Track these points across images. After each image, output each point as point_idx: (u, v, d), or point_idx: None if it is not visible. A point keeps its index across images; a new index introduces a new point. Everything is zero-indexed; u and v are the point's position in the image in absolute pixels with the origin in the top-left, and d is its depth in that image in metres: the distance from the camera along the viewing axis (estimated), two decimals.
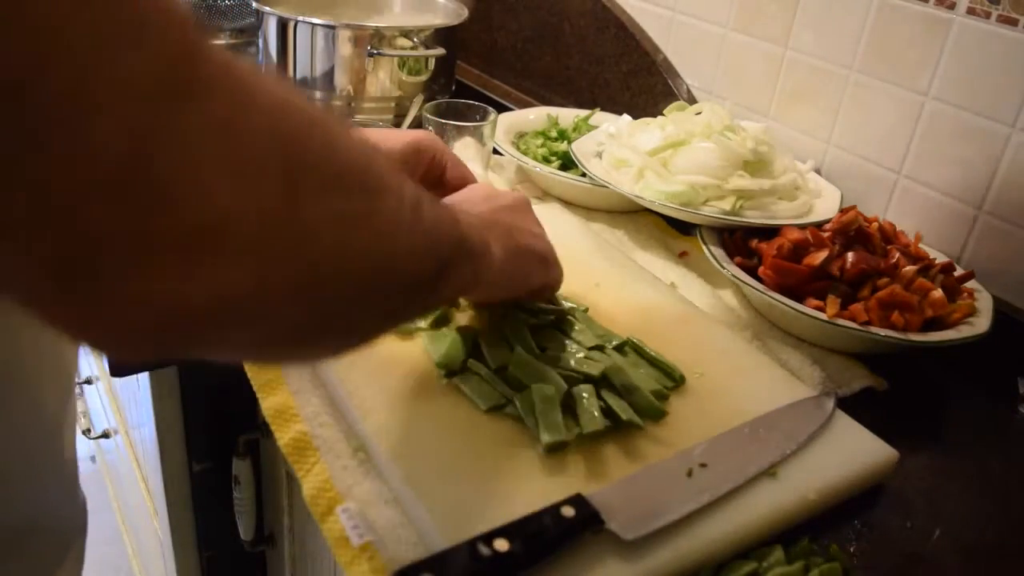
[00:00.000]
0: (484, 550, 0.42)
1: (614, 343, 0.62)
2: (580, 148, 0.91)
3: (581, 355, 0.59)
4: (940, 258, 0.77)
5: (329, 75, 1.01)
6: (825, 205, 0.84)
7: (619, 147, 0.88)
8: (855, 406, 0.61)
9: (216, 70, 0.25)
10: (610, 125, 0.95)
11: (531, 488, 0.49)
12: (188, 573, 0.94)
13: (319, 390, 0.59)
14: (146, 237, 0.24)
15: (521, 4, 1.33)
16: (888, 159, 0.87)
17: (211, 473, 0.85)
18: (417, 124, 1.00)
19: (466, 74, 1.39)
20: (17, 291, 0.25)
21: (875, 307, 0.67)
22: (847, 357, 0.70)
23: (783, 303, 0.67)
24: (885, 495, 0.57)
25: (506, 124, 1.00)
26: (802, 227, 0.75)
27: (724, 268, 0.72)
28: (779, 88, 0.97)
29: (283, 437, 0.55)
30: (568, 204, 0.93)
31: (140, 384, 0.86)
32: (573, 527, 0.45)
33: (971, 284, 0.75)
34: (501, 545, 0.43)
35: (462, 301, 0.64)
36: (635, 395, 0.56)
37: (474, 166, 0.85)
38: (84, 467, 0.61)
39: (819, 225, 0.77)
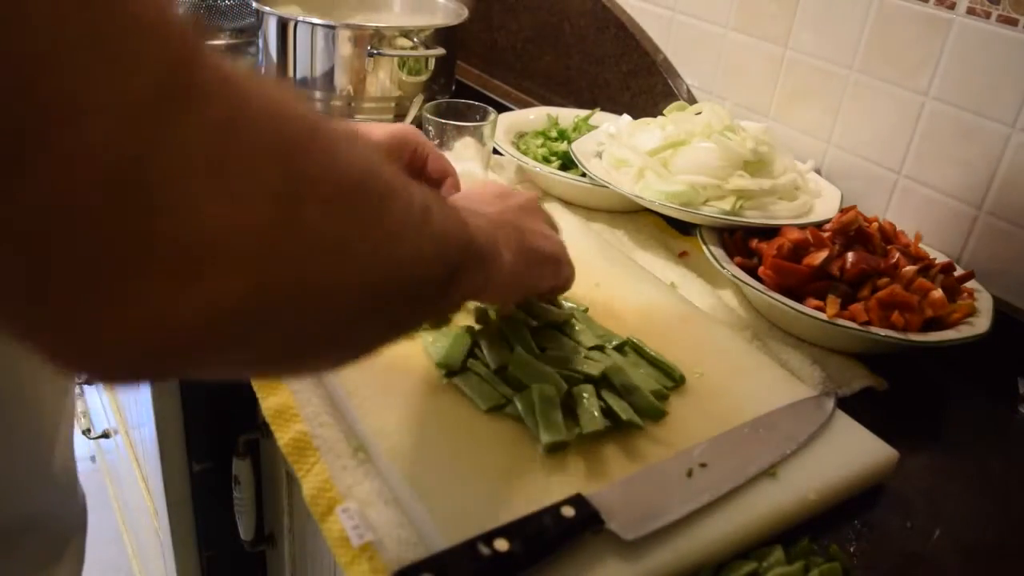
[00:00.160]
0: (484, 550, 0.42)
1: (614, 343, 0.62)
2: (580, 148, 0.91)
3: (581, 355, 0.59)
4: (940, 258, 0.77)
5: (329, 75, 1.01)
6: (825, 205, 0.84)
7: (619, 147, 0.88)
8: (855, 406, 0.62)
9: (214, 76, 0.24)
10: (610, 125, 0.95)
11: (531, 488, 0.49)
12: (188, 573, 0.94)
13: (319, 390, 0.59)
14: (136, 248, 0.22)
15: (521, 4, 1.33)
16: (888, 159, 0.87)
17: (211, 473, 0.85)
18: (417, 124, 1.00)
19: (466, 74, 1.39)
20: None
21: (875, 307, 0.67)
22: (847, 357, 0.70)
23: (783, 303, 0.67)
24: (885, 495, 0.57)
25: (506, 124, 1.00)
26: (802, 227, 0.75)
27: (724, 268, 0.72)
28: (779, 88, 0.97)
29: (283, 437, 0.55)
30: (568, 204, 0.93)
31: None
32: (573, 527, 0.45)
33: (971, 284, 0.75)
34: (501, 545, 0.43)
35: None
36: (635, 395, 0.56)
37: (474, 166, 0.85)
38: (84, 467, 0.61)
39: (819, 225, 0.77)
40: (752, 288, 0.70)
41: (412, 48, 1.01)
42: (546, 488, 0.49)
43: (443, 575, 0.42)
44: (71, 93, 0.20)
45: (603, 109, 1.07)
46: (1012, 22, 0.75)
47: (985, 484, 0.60)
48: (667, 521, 0.48)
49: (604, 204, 0.92)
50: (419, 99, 1.05)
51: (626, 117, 0.98)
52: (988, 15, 0.76)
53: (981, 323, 0.69)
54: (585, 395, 0.55)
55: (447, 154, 0.84)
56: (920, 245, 0.78)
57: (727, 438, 0.55)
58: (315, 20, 0.99)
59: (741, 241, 0.78)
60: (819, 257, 0.70)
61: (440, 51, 1.02)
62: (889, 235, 0.77)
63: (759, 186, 0.79)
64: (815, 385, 0.65)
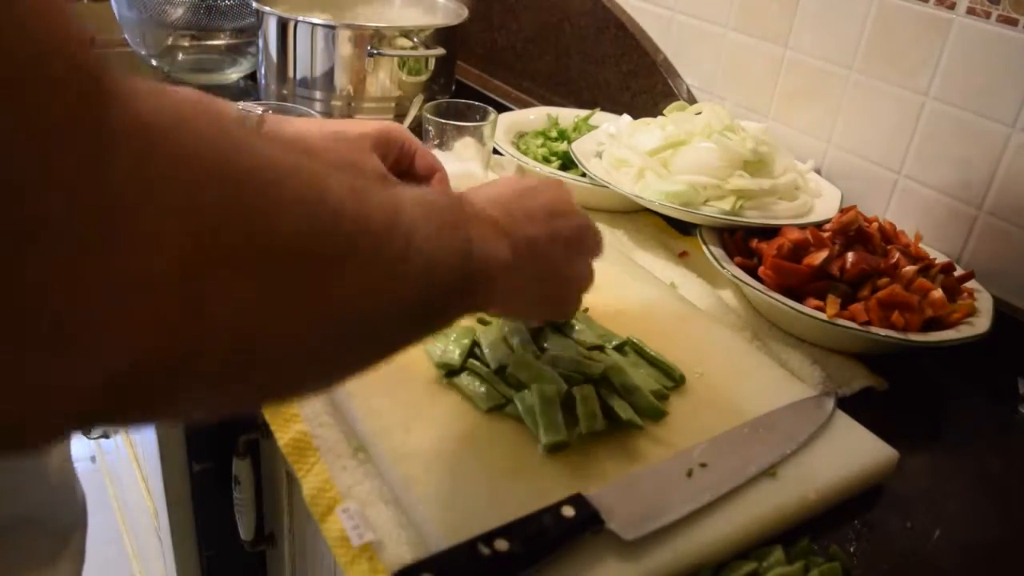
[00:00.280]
0: (484, 550, 0.42)
1: (614, 343, 0.62)
2: (580, 148, 0.91)
3: (581, 355, 0.59)
4: (940, 258, 0.77)
5: (329, 75, 1.01)
6: (825, 205, 0.84)
7: (619, 147, 0.88)
8: (855, 406, 0.61)
9: (130, 119, 0.21)
10: (610, 125, 0.95)
11: (531, 488, 0.49)
12: (188, 573, 0.94)
13: None
14: (6, 319, 0.20)
15: (521, 4, 1.33)
16: (888, 159, 0.87)
17: (211, 473, 0.85)
18: (417, 124, 1.00)
19: (466, 74, 1.39)
20: None
21: (875, 307, 0.67)
22: (847, 357, 0.70)
23: (783, 303, 0.67)
24: (885, 495, 0.57)
25: (506, 124, 1.00)
26: (802, 227, 0.75)
27: (724, 268, 0.72)
28: (779, 88, 0.97)
29: (283, 437, 0.55)
30: None
31: None
32: (573, 527, 0.45)
33: (971, 284, 0.75)
34: (501, 545, 0.43)
35: None
36: (635, 395, 0.56)
37: (474, 166, 0.85)
38: (84, 467, 0.61)
39: (819, 225, 0.77)
40: (752, 288, 0.70)
41: (412, 48, 1.01)
42: (546, 488, 0.49)
43: (443, 575, 0.42)
44: None
45: (603, 109, 1.07)
46: (1012, 22, 0.75)
47: (985, 484, 0.60)
48: (667, 521, 0.48)
49: (604, 204, 0.92)
50: (419, 99, 1.05)
51: (626, 117, 0.98)
52: (988, 15, 0.76)
53: (981, 323, 0.69)
54: (585, 395, 0.55)
55: (447, 154, 0.84)
56: (920, 245, 0.78)
57: (727, 438, 0.55)
58: (315, 20, 0.99)
59: (741, 241, 0.78)
60: (819, 257, 0.70)
61: (440, 51, 1.02)
62: (889, 235, 0.77)
63: (759, 186, 0.79)
64: (815, 385, 0.65)
